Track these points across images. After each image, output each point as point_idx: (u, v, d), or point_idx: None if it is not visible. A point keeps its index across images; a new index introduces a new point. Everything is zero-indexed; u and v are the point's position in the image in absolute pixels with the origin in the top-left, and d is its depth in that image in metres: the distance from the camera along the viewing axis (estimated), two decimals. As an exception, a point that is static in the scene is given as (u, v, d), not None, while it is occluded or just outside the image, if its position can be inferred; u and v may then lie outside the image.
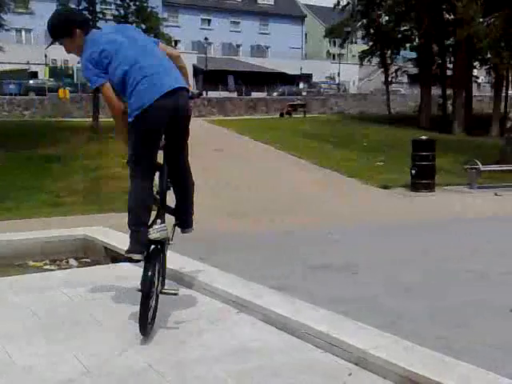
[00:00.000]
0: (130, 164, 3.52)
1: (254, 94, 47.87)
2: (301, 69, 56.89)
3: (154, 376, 2.87)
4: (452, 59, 33.37)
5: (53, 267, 5.19)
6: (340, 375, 2.96)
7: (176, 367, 2.96)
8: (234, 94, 47.77)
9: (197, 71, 51.71)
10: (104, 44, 3.47)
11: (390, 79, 36.10)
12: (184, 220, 3.78)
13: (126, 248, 3.54)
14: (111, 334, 3.41)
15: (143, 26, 23.81)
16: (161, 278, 3.52)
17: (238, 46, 60.62)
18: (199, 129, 27.55)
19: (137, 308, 3.35)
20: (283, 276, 5.20)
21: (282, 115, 38.79)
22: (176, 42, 42.08)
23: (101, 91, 3.51)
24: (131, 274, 4.65)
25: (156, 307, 3.42)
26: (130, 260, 3.58)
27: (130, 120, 3.43)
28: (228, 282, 4.21)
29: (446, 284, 5.17)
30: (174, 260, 4.78)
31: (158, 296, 3.44)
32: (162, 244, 3.53)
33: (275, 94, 48.38)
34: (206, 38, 49.28)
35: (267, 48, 62.42)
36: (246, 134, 22.38)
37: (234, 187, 11.37)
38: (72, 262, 5.36)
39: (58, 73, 44.47)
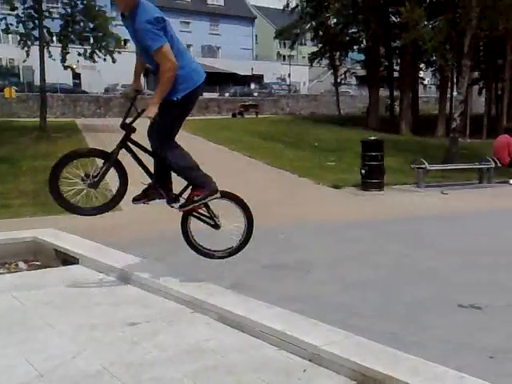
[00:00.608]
0: (166, 137, 3.93)
1: (206, 95, 47.61)
2: (252, 70, 57.05)
3: (108, 379, 2.83)
4: (398, 61, 34.18)
5: (1, 270, 5.05)
6: (295, 372, 3.00)
7: (131, 369, 2.94)
8: (186, 95, 47.40)
9: (147, 71, 50.99)
10: (164, 16, 3.76)
11: (339, 81, 36.60)
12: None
13: (199, 196, 4.02)
14: (64, 338, 3.35)
15: (91, 25, 23.38)
16: None
17: (189, 46, 60.15)
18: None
19: (89, 310, 3.30)
20: (238, 275, 5.22)
21: (234, 116, 38.86)
22: (125, 42, 41.45)
23: (159, 51, 3.67)
24: (82, 276, 4.59)
25: None
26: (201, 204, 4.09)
27: (173, 98, 3.80)
28: (182, 282, 4.20)
29: (398, 281, 5.31)
30: (127, 261, 4.74)
31: None
32: None
33: (227, 94, 48.36)
34: (156, 38, 48.63)
35: (218, 48, 62.32)
36: (198, 134, 22.26)
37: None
38: (21, 265, 5.22)
39: (4, 72, 43.11)
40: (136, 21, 3.65)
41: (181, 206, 4.13)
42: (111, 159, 3.97)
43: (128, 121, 4.02)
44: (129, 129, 4.02)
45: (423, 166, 12.37)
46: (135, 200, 4.17)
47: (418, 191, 11.86)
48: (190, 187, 4.15)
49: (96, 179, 3.95)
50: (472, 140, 25.84)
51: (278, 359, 3.16)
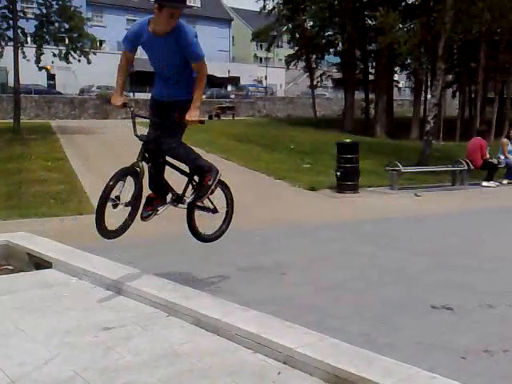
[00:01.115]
0: (181, 135, 4.42)
1: (182, 97, 47.53)
2: (229, 72, 57.06)
3: (81, 384, 2.81)
4: (374, 64, 34.51)
5: (-28, 276, 4.96)
6: (269, 375, 3.01)
7: (104, 374, 2.92)
8: (162, 96, 47.25)
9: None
10: None
11: (315, 83, 36.79)
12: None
13: (211, 179, 4.44)
14: (36, 343, 3.31)
15: (66, 26, 23.16)
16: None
17: (165, 47, 60.05)
18: (127, 130, 26.97)
19: (62, 315, 3.26)
20: (214, 278, 5.23)
21: (210, 117, 38.87)
22: (101, 43, 41.18)
23: (203, 60, 4.28)
24: (56, 281, 4.54)
25: None
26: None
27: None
28: (157, 286, 4.18)
29: (372, 282, 5.37)
30: (101, 265, 4.71)
31: None
32: None
33: (204, 96, 48.09)
34: (132, 39, 48.33)
35: (195, 50, 62.21)
36: (174, 136, 22.18)
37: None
38: (-7, 269, 5.15)
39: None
40: (184, 37, 4.16)
41: (198, 198, 4.45)
42: (139, 177, 4.04)
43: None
44: (147, 139, 4.19)
45: (397, 168, 12.51)
46: (145, 217, 4.37)
47: (392, 193, 11.99)
48: (196, 178, 4.51)
49: (131, 198, 4.04)
50: (445, 142, 26.22)
51: (252, 362, 3.17)
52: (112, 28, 52.88)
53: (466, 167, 13.39)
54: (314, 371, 3.01)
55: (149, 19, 4.17)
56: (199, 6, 63.62)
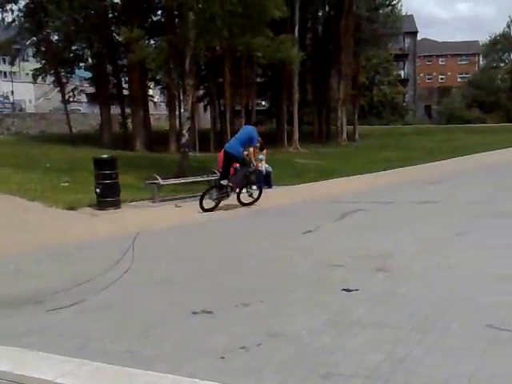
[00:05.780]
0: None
1: None
2: (-32, 87, 51.95)
3: None
4: (127, 79, 34.52)
5: None
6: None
7: None
8: None
9: None
10: None
11: (67, 98, 35.37)
12: None
13: None
14: None
15: None
16: None
17: None
18: None
19: None
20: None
21: None
22: None
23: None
24: None
25: None
26: None
27: None
28: None
29: (135, 296, 5.36)
30: None
31: None
32: None
33: None
34: None
35: None
36: None
37: None
38: None
39: None
40: None
41: None
42: None
43: None
44: None
45: (156, 181, 12.70)
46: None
47: (153, 206, 12.13)
48: None
49: None
50: (202, 153, 27.40)
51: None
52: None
53: (218, 176, 14.17)
54: (76, 399, 2.90)
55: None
56: None
